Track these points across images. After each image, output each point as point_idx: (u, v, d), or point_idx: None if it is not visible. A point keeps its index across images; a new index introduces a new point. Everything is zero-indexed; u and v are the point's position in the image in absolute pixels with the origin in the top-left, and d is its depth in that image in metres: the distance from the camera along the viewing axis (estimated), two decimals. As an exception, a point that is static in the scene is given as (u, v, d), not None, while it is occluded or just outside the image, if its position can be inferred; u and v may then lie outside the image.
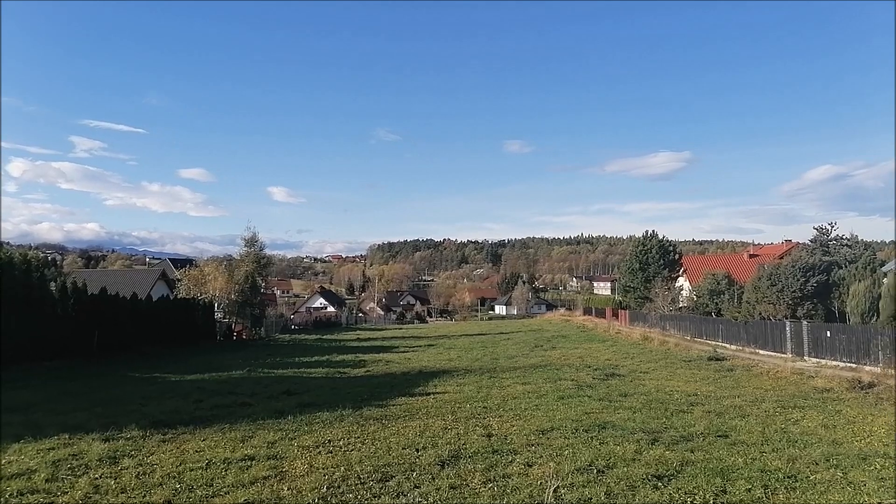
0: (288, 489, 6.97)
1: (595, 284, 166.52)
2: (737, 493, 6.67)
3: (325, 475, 7.48)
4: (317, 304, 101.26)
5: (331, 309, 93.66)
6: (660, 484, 7.00)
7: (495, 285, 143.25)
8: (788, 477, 7.22)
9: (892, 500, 3.07)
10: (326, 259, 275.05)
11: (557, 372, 18.15)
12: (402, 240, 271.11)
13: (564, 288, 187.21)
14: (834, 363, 18.44)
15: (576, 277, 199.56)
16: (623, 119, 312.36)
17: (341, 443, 9.26)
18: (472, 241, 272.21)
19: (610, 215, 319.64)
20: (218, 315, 39.51)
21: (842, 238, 35.28)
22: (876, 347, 17.14)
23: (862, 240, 35.04)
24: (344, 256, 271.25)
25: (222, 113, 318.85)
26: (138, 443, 9.33)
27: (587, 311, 61.90)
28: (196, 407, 12.72)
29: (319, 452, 8.68)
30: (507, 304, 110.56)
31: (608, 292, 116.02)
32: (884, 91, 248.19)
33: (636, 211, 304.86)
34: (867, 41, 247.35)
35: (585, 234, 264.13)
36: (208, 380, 17.83)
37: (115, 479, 7.45)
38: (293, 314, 79.33)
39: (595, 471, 7.53)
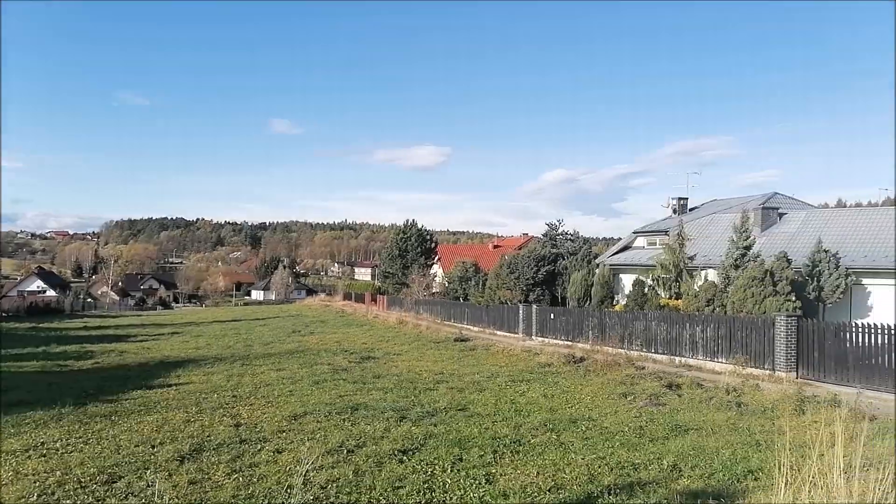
0: (-19, 505, 5.85)
1: (356, 270, 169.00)
2: (471, 459, 7.37)
3: (35, 482, 6.48)
4: (32, 288, 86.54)
5: (51, 293, 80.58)
6: (405, 458, 7.42)
7: (253, 269, 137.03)
8: (514, 442, 8.21)
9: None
10: (48, 235, 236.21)
11: (314, 357, 18.09)
12: (146, 217, 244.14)
13: (326, 273, 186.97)
14: (556, 341, 21.32)
15: (338, 263, 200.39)
16: (391, 112, 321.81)
17: (58, 445, 8.10)
18: (230, 223, 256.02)
19: (374, 203, 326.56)
20: None
21: (566, 233, 40.67)
22: (587, 328, 20.25)
23: (582, 235, 40.76)
24: (72, 233, 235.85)
25: None
26: None
27: (347, 297, 62.57)
28: None
29: (29, 457, 7.50)
30: (266, 289, 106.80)
31: (369, 278, 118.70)
32: (605, 105, 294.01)
33: (399, 200, 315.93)
34: (614, 59, 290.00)
35: (349, 221, 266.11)
36: None
37: None
38: (0, 299, 66.64)
39: (345, 451, 7.71)
